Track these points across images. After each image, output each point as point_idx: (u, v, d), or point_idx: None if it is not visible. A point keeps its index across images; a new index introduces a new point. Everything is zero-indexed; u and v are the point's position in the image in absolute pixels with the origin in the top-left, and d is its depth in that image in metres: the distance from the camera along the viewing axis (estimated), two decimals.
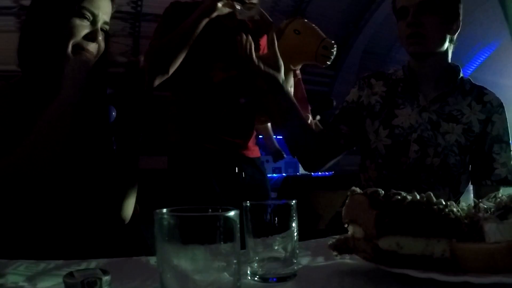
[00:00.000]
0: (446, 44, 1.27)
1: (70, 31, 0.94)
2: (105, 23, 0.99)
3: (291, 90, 1.66)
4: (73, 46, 0.94)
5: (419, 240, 0.58)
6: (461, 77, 1.30)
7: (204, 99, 1.53)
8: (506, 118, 1.29)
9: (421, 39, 1.23)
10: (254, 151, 1.64)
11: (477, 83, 1.34)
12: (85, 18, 0.95)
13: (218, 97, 1.53)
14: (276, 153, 1.83)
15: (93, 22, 0.96)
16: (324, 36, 1.67)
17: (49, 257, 0.72)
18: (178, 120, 1.57)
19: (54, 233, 0.88)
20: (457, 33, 1.29)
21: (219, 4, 1.40)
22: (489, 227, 0.56)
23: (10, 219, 0.89)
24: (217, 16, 1.46)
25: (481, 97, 1.29)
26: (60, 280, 0.52)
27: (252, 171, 1.60)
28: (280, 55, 1.54)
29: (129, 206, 1.02)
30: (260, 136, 1.99)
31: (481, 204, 0.63)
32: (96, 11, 0.96)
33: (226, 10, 1.42)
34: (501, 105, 1.29)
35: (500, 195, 0.65)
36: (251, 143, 1.63)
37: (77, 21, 0.94)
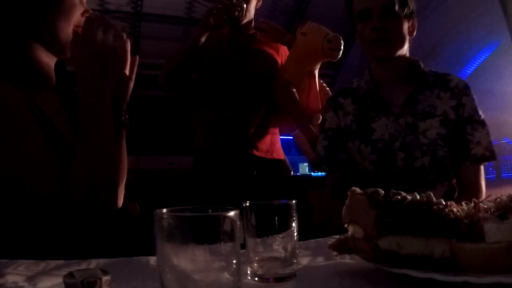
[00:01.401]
0: (406, 45, 1.29)
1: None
2: None
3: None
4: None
5: (419, 240, 0.58)
6: (421, 71, 1.31)
7: (223, 106, 1.74)
8: (474, 98, 1.30)
9: (388, 43, 1.24)
10: (270, 153, 1.78)
11: (439, 72, 1.36)
12: None
13: (233, 103, 1.73)
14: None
15: None
16: (328, 31, 1.70)
17: (49, 257, 0.72)
18: (203, 129, 1.77)
19: (54, 233, 0.88)
20: (414, 34, 1.31)
21: (211, 19, 1.63)
22: (489, 227, 0.56)
23: (10, 219, 0.89)
24: (227, 34, 1.77)
25: (447, 84, 1.31)
26: (60, 280, 0.52)
27: (267, 171, 1.74)
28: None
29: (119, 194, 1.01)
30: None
31: (481, 204, 0.63)
32: None
33: (220, 22, 1.65)
34: (466, 87, 1.31)
35: (500, 195, 0.65)
36: (268, 145, 1.78)
37: None
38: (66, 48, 0.97)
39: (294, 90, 1.71)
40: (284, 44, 1.81)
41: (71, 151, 0.89)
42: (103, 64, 0.89)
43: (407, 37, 1.28)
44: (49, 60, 0.98)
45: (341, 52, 1.69)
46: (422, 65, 1.33)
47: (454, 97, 1.28)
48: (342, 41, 1.67)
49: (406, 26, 1.27)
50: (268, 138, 1.78)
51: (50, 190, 0.82)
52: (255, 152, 1.72)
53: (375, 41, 1.24)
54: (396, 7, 1.23)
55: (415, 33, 1.31)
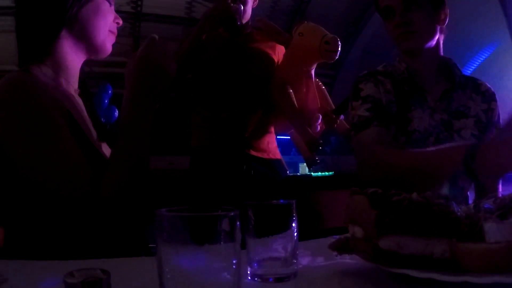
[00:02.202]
0: (437, 36, 1.27)
1: None
2: None
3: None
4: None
5: (419, 240, 0.58)
6: (456, 70, 1.31)
7: (219, 106, 1.72)
8: (497, 105, 1.35)
9: (411, 35, 1.23)
10: (267, 153, 1.77)
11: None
12: None
13: (231, 104, 1.71)
14: (309, 159, 1.85)
15: None
16: (325, 32, 1.69)
17: (49, 257, 0.72)
18: (200, 128, 1.76)
19: (54, 233, 0.88)
20: (446, 22, 1.28)
21: (207, 23, 1.62)
22: (489, 227, 0.56)
23: (10, 220, 0.89)
24: (224, 33, 1.74)
25: (478, 88, 1.34)
26: (60, 280, 0.52)
27: (264, 170, 1.73)
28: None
29: None
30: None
31: (481, 204, 0.63)
32: None
33: (216, 26, 1.65)
34: (493, 93, 1.35)
35: (500, 195, 0.65)
36: (265, 145, 1.77)
37: None
38: (98, 48, 0.99)
39: (291, 90, 1.71)
40: (281, 43, 1.79)
41: (96, 155, 0.91)
42: (155, 85, 0.92)
43: (436, 28, 1.26)
44: (77, 59, 0.99)
45: (338, 53, 1.67)
46: (456, 64, 1.32)
47: (485, 101, 1.32)
48: (339, 43, 1.66)
49: (431, 16, 1.24)
50: (265, 138, 1.78)
51: (79, 191, 0.82)
52: (252, 152, 1.72)
53: (400, 36, 1.25)
54: (417, 0, 1.21)
55: (447, 21, 1.28)
